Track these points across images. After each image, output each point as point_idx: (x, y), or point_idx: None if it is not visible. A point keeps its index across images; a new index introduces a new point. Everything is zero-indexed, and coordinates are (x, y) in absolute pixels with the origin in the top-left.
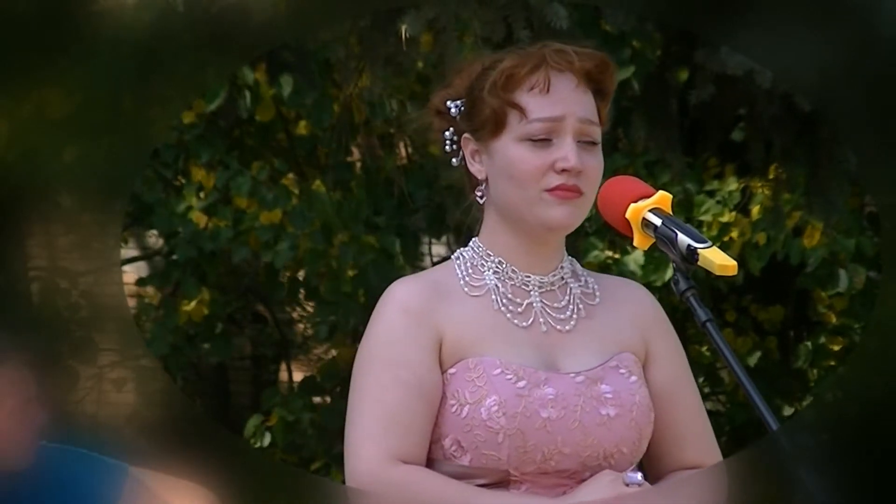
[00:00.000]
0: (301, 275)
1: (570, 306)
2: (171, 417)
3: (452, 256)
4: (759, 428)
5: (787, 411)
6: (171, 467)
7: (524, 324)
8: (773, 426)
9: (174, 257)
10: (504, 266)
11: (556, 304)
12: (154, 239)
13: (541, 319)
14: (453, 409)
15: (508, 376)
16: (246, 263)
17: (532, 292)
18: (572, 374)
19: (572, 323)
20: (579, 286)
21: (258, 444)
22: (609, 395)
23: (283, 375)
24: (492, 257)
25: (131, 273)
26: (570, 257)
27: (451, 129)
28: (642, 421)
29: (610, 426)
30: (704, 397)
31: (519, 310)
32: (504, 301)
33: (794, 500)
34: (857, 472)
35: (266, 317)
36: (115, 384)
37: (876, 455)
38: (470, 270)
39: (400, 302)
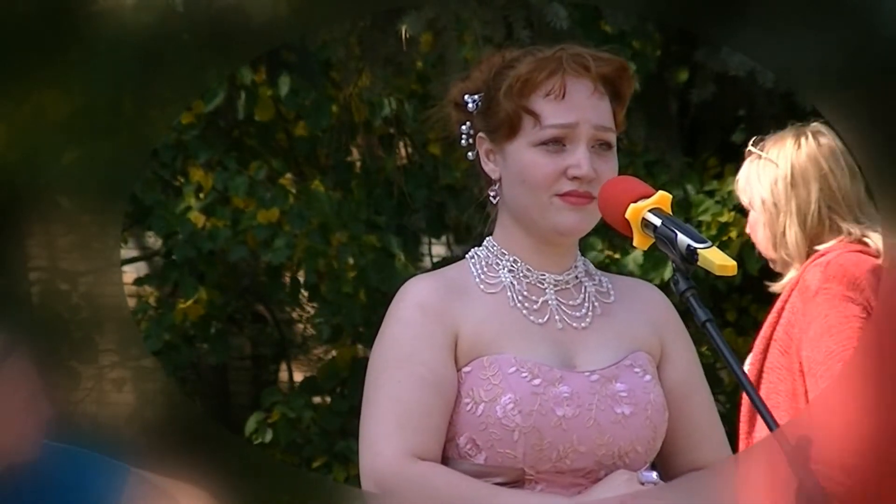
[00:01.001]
0: (301, 275)
1: (586, 304)
2: (172, 417)
3: (467, 255)
4: None
5: None
6: (172, 467)
7: (540, 320)
8: (773, 426)
9: (173, 257)
10: (519, 265)
11: (571, 302)
12: (153, 239)
13: (556, 317)
14: (468, 408)
15: (524, 374)
16: (245, 263)
17: (547, 290)
18: (587, 373)
19: (588, 320)
20: (594, 285)
21: (260, 441)
22: (624, 394)
23: (283, 375)
24: (506, 256)
25: (131, 273)
26: (583, 257)
27: (468, 122)
28: (657, 419)
29: (625, 424)
30: None
31: (535, 307)
32: (520, 298)
33: (794, 500)
34: None
35: (266, 317)
36: (116, 384)
37: None
38: (485, 269)
39: (416, 299)
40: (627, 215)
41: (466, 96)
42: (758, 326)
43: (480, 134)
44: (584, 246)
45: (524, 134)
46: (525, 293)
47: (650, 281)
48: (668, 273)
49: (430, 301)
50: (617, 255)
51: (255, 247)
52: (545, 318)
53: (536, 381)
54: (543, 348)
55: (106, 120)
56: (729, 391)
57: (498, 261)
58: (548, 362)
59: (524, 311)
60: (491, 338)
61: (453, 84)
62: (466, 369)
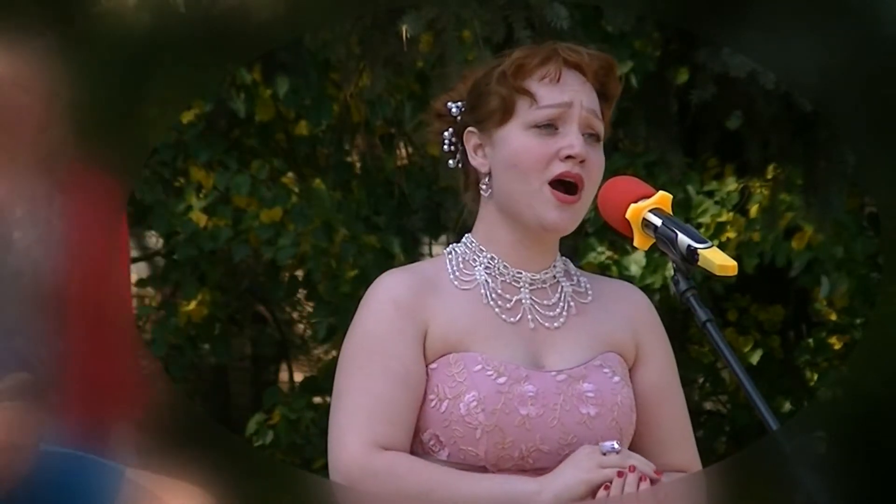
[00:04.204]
0: (300, 274)
1: (561, 304)
2: (172, 418)
3: (444, 251)
4: (761, 429)
5: (790, 410)
6: (172, 468)
7: (512, 319)
8: (773, 426)
9: (174, 258)
10: (496, 262)
11: (545, 302)
12: (155, 239)
13: (529, 316)
14: (433, 404)
15: (489, 372)
16: (245, 263)
17: (522, 289)
18: (554, 372)
19: (561, 320)
20: (571, 285)
21: (260, 443)
22: (591, 394)
23: (284, 376)
24: (484, 253)
25: (132, 274)
26: (563, 257)
27: (451, 129)
28: (623, 422)
29: (590, 425)
30: (705, 398)
31: (508, 305)
32: (493, 296)
33: (794, 500)
34: (858, 471)
35: (266, 317)
36: None
37: (876, 454)
38: (461, 265)
39: (390, 294)
40: (628, 216)
41: (450, 103)
42: (759, 326)
43: (469, 129)
44: (585, 246)
45: (518, 116)
46: (499, 291)
47: (651, 283)
48: (665, 275)
49: (403, 296)
50: (617, 256)
51: (258, 246)
52: (518, 318)
53: (501, 380)
54: (512, 347)
55: (105, 119)
56: (730, 391)
57: (475, 257)
58: (515, 361)
59: (496, 310)
60: (459, 335)
61: (435, 99)
62: (433, 366)
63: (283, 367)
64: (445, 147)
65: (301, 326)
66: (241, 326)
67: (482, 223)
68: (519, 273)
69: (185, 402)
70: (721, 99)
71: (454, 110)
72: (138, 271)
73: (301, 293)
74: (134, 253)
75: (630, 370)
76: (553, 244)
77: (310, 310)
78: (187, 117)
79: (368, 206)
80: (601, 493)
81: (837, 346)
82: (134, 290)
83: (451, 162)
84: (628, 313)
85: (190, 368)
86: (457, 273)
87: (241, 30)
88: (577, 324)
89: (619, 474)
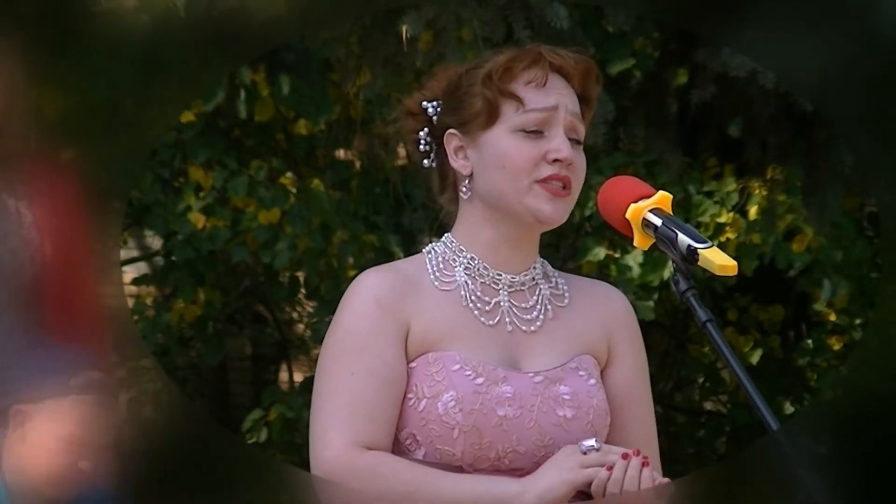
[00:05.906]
0: (300, 275)
1: (538, 307)
2: (171, 417)
3: (424, 250)
4: (761, 429)
5: (790, 410)
6: (170, 467)
7: (490, 322)
8: (773, 426)
9: (173, 258)
10: (475, 263)
11: (523, 305)
12: (152, 239)
13: (507, 319)
14: (411, 403)
15: (467, 372)
16: (245, 263)
17: (501, 291)
18: (531, 374)
19: (538, 324)
20: (549, 287)
21: (254, 440)
22: (567, 397)
23: (284, 376)
24: (464, 253)
25: (129, 273)
26: (541, 259)
27: (426, 129)
28: (599, 424)
29: (566, 427)
30: (705, 398)
31: (487, 308)
32: (473, 298)
33: (794, 500)
34: (858, 471)
35: (266, 317)
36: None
37: (876, 454)
38: (441, 265)
39: (371, 292)
40: (628, 215)
41: (425, 102)
42: (759, 326)
43: (451, 130)
44: (584, 246)
45: (504, 119)
46: (478, 293)
47: (649, 281)
48: (664, 274)
49: (385, 294)
50: (617, 255)
51: (255, 248)
52: (496, 320)
53: (479, 380)
54: (490, 349)
55: (105, 119)
56: (730, 391)
57: (455, 257)
58: (493, 362)
59: (475, 312)
60: (439, 335)
61: (408, 97)
62: (413, 365)
63: (283, 366)
64: (421, 147)
65: (301, 326)
66: (241, 326)
67: (463, 223)
68: (498, 275)
69: (185, 402)
70: (721, 99)
71: (430, 110)
72: (136, 269)
73: (302, 293)
74: (133, 253)
75: (602, 370)
76: (534, 245)
77: (310, 310)
78: (187, 117)
79: (367, 206)
80: (604, 472)
81: (837, 347)
82: (131, 288)
83: (425, 162)
84: (603, 314)
85: (190, 368)
86: (437, 273)
87: (241, 30)
88: (552, 327)
89: (624, 456)
